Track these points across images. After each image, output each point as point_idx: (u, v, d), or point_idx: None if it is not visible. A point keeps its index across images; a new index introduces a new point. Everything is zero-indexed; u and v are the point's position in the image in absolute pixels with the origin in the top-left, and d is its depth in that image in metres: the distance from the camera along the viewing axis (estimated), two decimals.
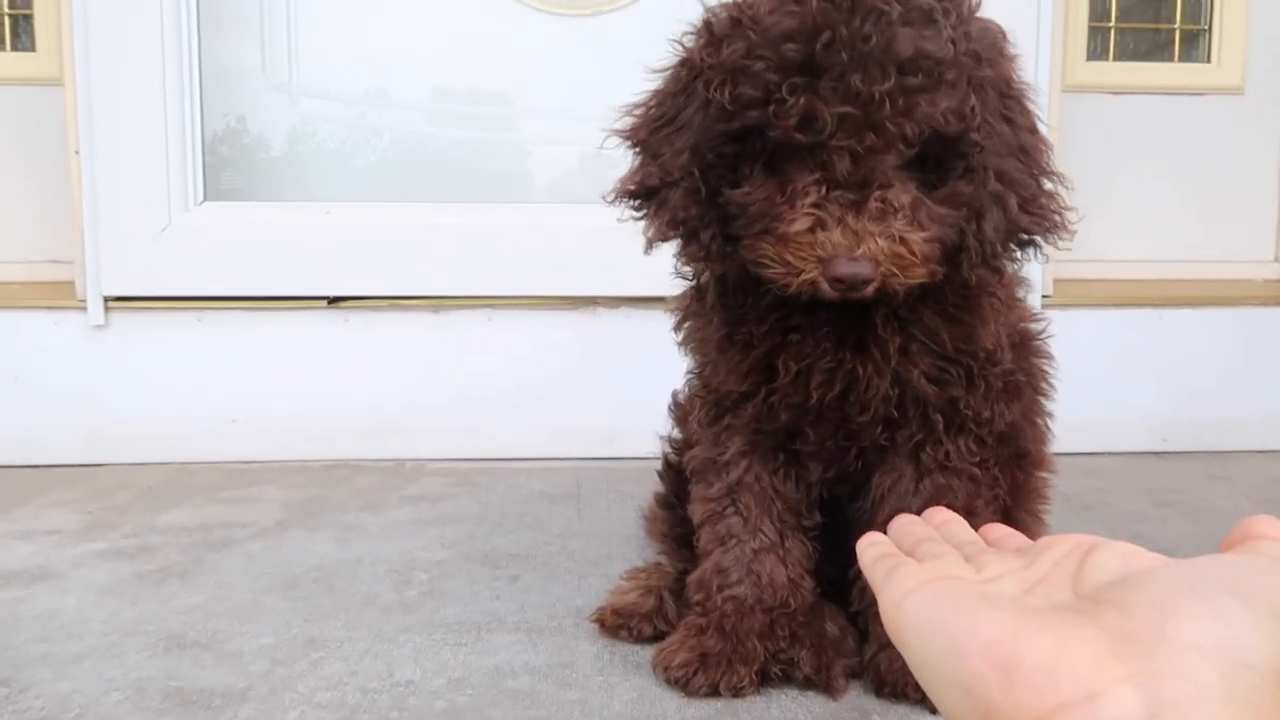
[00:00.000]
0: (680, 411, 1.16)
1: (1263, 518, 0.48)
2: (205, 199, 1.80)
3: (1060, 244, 0.89)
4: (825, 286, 0.78)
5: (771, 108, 0.76)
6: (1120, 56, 2.12)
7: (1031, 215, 0.86)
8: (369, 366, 1.80)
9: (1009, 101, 0.84)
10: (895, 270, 0.78)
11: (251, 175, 1.87)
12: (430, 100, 1.91)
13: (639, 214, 0.88)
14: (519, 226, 1.80)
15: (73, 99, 1.72)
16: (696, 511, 1.01)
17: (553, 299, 1.79)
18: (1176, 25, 2.13)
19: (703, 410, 0.99)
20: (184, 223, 1.76)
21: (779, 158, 0.80)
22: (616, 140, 0.90)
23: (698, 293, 0.97)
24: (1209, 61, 2.11)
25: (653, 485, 1.21)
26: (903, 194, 0.79)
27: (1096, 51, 2.10)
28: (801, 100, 0.75)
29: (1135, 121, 2.07)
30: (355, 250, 1.78)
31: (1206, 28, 2.11)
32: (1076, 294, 1.87)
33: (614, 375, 1.79)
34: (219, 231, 1.77)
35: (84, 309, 1.75)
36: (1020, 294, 0.99)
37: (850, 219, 0.77)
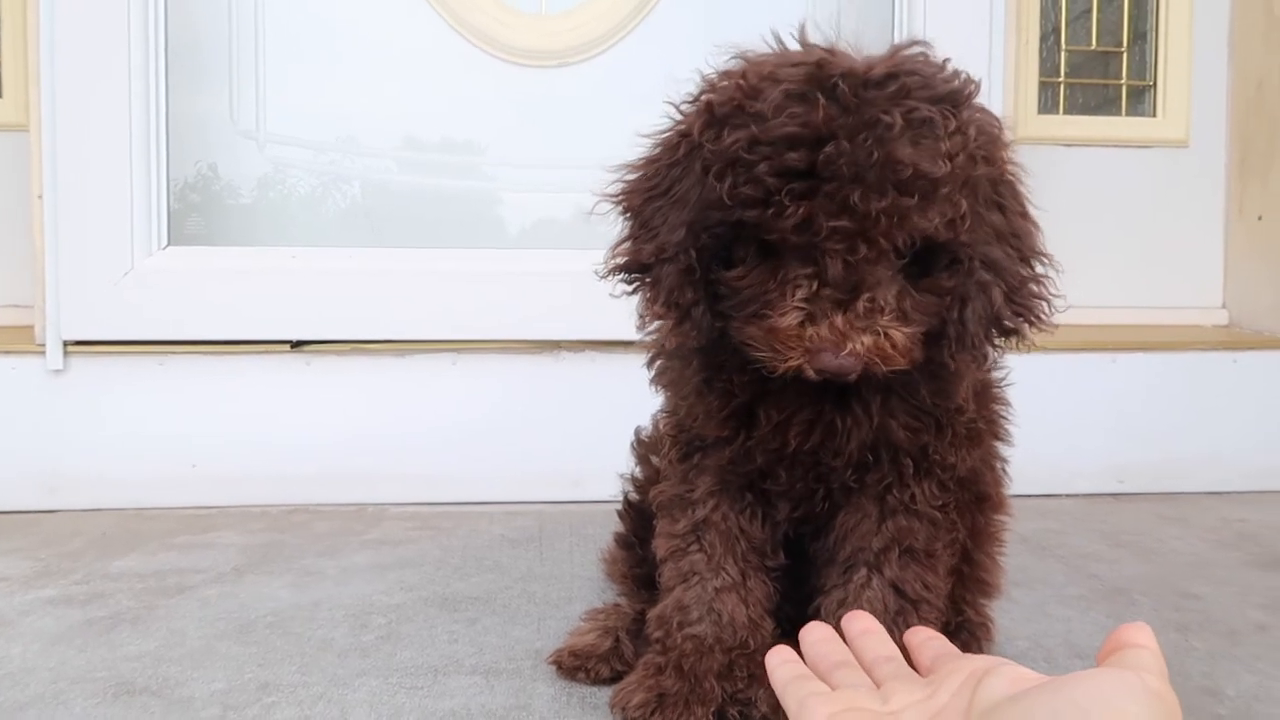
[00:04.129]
0: (643, 449, 1.17)
1: (1132, 626, 0.53)
2: (169, 243, 1.80)
3: (1041, 331, 0.91)
4: (810, 373, 0.80)
5: (770, 210, 0.78)
6: (1070, 110, 2.19)
7: (1015, 305, 0.87)
8: (331, 411, 1.79)
9: (1001, 188, 0.85)
10: (877, 360, 0.80)
11: (222, 221, 1.88)
12: (401, 149, 1.93)
13: (631, 288, 0.89)
14: (483, 272, 1.81)
15: (37, 144, 1.72)
16: (661, 547, 1.01)
17: (517, 343, 1.80)
18: (1123, 81, 2.21)
19: (673, 448, 1.00)
20: (147, 267, 1.75)
21: (766, 249, 0.81)
22: (607, 205, 0.90)
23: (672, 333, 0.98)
24: (1155, 115, 2.18)
25: (615, 527, 1.22)
26: (889, 289, 0.80)
27: (1047, 105, 2.17)
28: (800, 208, 0.76)
29: (1085, 173, 2.13)
30: (319, 294, 1.78)
31: (1152, 83, 2.19)
32: (1031, 339, 1.91)
33: (577, 419, 1.79)
34: (182, 276, 1.76)
35: (42, 353, 1.73)
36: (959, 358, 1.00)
37: (839, 319, 0.78)
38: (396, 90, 1.92)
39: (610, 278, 0.89)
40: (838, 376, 0.80)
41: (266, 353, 1.77)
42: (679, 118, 0.89)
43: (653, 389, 1.02)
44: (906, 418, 0.91)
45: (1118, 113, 2.20)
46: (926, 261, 0.82)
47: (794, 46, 0.86)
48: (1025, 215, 0.88)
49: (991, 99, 1.89)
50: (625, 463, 1.19)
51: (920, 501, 0.94)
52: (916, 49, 0.83)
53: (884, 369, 0.81)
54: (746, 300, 0.82)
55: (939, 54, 0.85)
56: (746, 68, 0.84)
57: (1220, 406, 1.90)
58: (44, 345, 1.73)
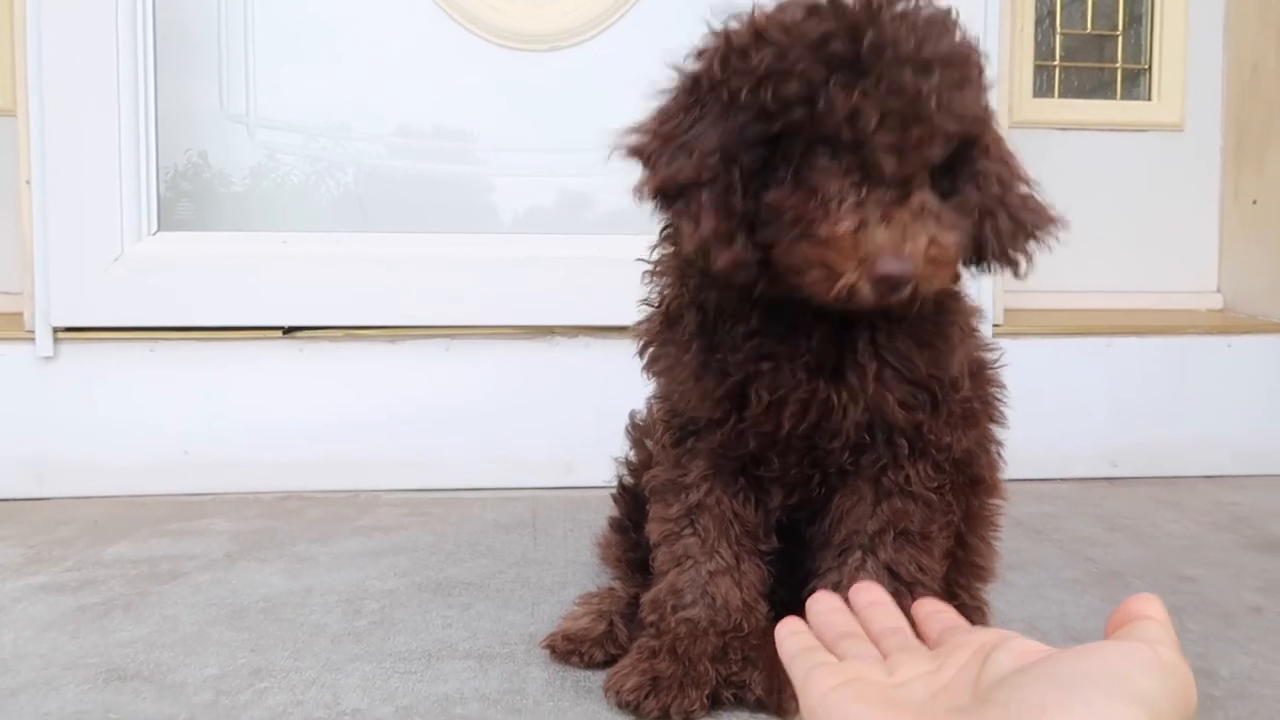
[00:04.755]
0: (637, 433, 1.16)
1: (1142, 597, 0.52)
2: (160, 229, 1.78)
3: (1056, 240, 0.91)
4: (865, 290, 0.77)
5: (820, 105, 0.77)
6: (1065, 94, 2.18)
7: (1031, 212, 0.89)
8: (324, 397, 1.78)
9: (984, 77, 0.86)
10: (930, 271, 0.79)
11: (214, 209, 1.86)
12: (393, 134, 1.92)
13: (666, 215, 0.86)
14: (477, 257, 1.80)
15: (25, 129, 1.70)
16: (654, 531, 1.00)
17: (511, 329, 1.79)
18: (1118, 64, 2.20)
19: (667, 433, 0.99)
20: (137, 253, 1.74)
21: (808, 163, 0.80)
22: (625, 159, 0.87)
23: (667, 319, 0.97)
24: (1150, 99, 2.18)
25: (609, 512, 1.21)
26: (932, 198, 0.80)
27: (1042, 89, 2.16)
28: (852, 95, 0.76)
29: (1080, 157, 2.12)
30: (311, 280, 1.77)
31: (1147, 67, 2.18)
32: (1027, 323, 1.91)
33: (571, 404, 1.79)
34: (173, 262, 1.75)
35: (32, 340, 1.72)
36: (975, 324, 1.00)
37: (894, 216, 0.77)
38: (387, 75, 1.90)
39: (645, 202, 0.86)
40: (894, 289, 0.77)
41: (258, 339, 1.76)
42: (687, 71, 0.88)
43: (644, 377, 1.01)
44: (902, 392, 0.90)
45: (1113, 96, 2.19)
46: (950, 178, 0.83)
47: None
48: (1003, 139, 0.91)
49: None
50: (619, 447, 1.18)
51: (915, 483, 0.94)
52: None
53: (932, 284, 0.80)
54: (792, 220, 0.80)
55: None
56: (755, 9, 0.85)
57: (1215, 390, 1.90)
58: (33, 332, 1.71)
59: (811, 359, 0.89)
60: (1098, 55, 2.20)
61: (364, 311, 1.77)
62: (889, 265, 0.76)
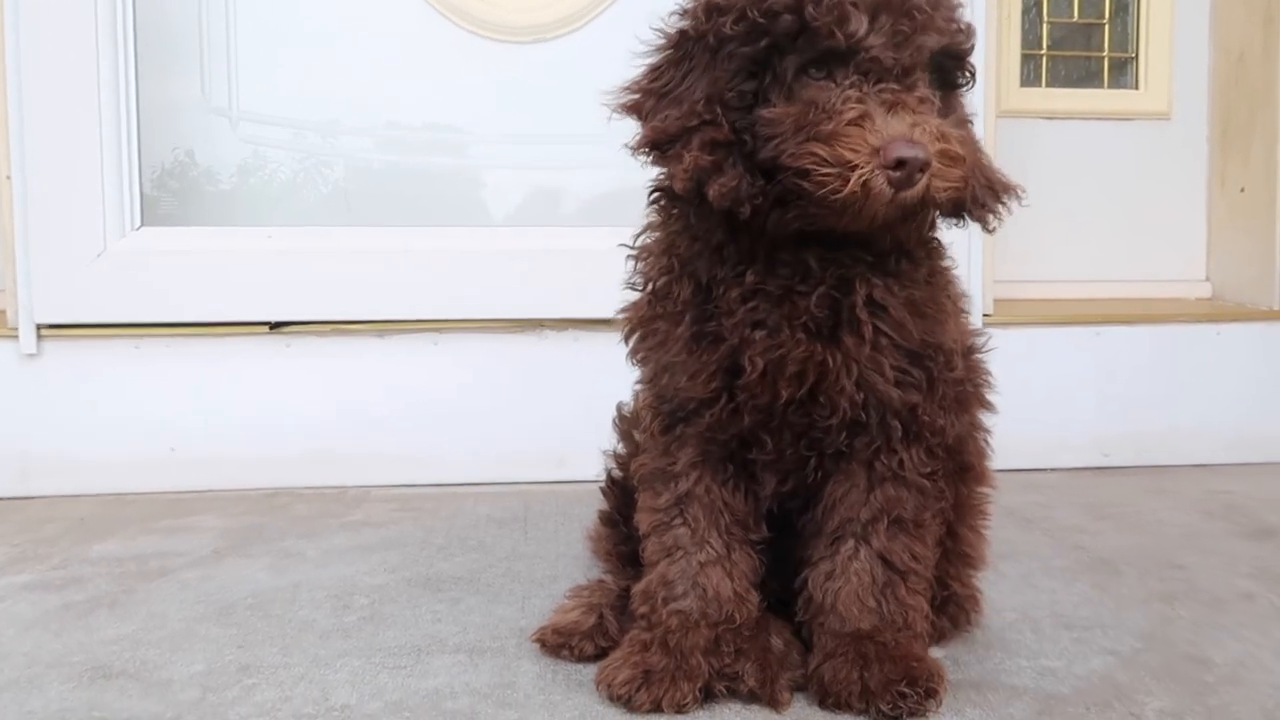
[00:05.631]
0: (625, 425, 1.16)
1: None
2: (144, 224, 1.77)
3: (1017, 204, 0.91)
4: (881, 181, 0.77)
5: (808, 9, 0.78)
6: (1052, 83, 2.18)
7: (996, 174, 0.91)
8: (312, 392, 1.76)
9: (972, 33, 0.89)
10: (942, 165, 0.79)
11: (201, 207, 1.84)
12: (382, 128, 1.90)
13: (661, 163, 0.87)
14: (465, 250, 1.79)
15: (4, 124, 1.68)
16: (643, 521, 0.99)
17: (499, 322, 1.78)
18: (1105, 54, 2.20)
19: (655, 420, 0.98)
20: (121, 248, 1.72)
21: (802, 81, 0.81)
22: (621, 115, 0.89)
23: (655, 297, 0.96)
24: (1137, 88, 2.18)
25: (600, 505, 1.20)
26: (931, 94, 0.82)
27: (1029, 78, 2.16)
28: None
29: (1068, 145, 2.12)
30: (298, 275, 1.75)
31: (1134, 56, 2.18)
32: (1016, 313, 1.91)
33: (561, 398, 1.78)
34: (157, 257, 1.73)
35: (15, 337, 1.70)
36: (964, 304, 1.00)
37: (901, 103, 0.78)
38: (374, 69, 1.88)
39: (638, 153, 0.87)
40: (912, 178, 0.77)
41: (245, 334, 1.75)
42: (672, 29, 0.89)
43: (630, 362, 1.00)
44: (897, 358, 0.89)
45: (1100, 85, 2.19)
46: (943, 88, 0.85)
47: None
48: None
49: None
50: (609, 440, 1.17)
51: (909, 469, 0.93)
52: None
53: (945, 180, 0.80)
54: (794, 129, 0.80)
55: None
56: None
57: (1204, 378, 1.90)
58: (16, 329, 1.70)
59: (809, 320, 0.88)
60: (1084, 44, 2.20)
61: (351, 306, 1.76)
62: (903, 149, 0.76)
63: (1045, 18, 2.17)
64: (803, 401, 0.89)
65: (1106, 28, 2.19)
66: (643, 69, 0.89)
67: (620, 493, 1.14)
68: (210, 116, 1.84)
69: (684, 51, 0.86)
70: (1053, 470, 1.85)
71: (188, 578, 1.28)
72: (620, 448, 1.16)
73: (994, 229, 0.90)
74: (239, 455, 1.75)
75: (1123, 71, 2.19)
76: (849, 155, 0.76)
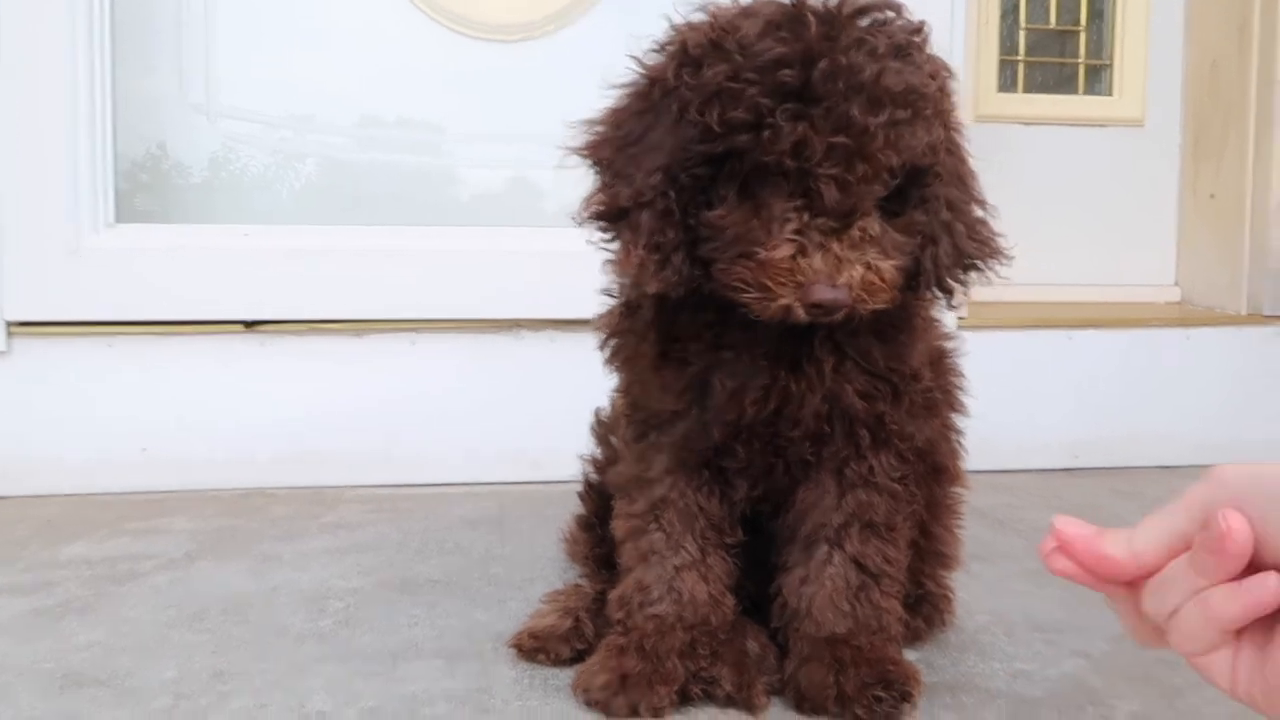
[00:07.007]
0: (602, 430, 1.16)
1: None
2: (118, 220, 1.75)
3: (1000, 270, 0.92)
4: (800, 312, 0.79)
5: (765, 133, 0.77)
6: (1029, 89, 2.20)
7: (976, 242, 0.89)
8: (287, 391, 1.75)
9: (951, 133, 0.87)
10: (865, 296, 0.80)
11: (174, 201, 1.82)
12: (358, 125, 1.89)
13: (608, 237, 0.87)
14: (443, 250, 1.78)
15: None
16: (619, 528, 1.00)
17: (477, 322, 1.78)
18: (1081, 60, 2.22)
19: (629, 427, 0.99)
20: (94, 245, 1.70)
21: (754, 181, 0.80)
22: (576, 158, 0.88)
23: (627, 310, 0.96)
24: (1112, 95, 2.20)
25: (576, 508, 1.20)
26: (874, 223, 0.80)
27: (1007, 83, 2.18)
28: (798, 128, 0.76)
29: (1044, 151, 2.15)
30: (275, 273, 1.74)
31: (1109, 63, 2.21)
32: (990, 316, 1.92)
33: (538, 399, 1.77)
34: (130, 254, 1.71)
35: None
36: (935, 314, 1.01)
37: (834, 247, 0.78)
38: (351, 64, 1.87)
39: (586, 225, 0.87)
40: (827, 314, 0.79)
41: (220, 333, 1.73)
42: (645, 68, 0.88)
43: (607, 369, 1.00)
44: (861, 382, 0.90)
45: (1076, 91, 2.22)
46: (899, 199, 0.83)
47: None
48: (967, 161, 0.91)
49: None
50: (586, 443, 1.17)
51: (879, 474, 0.94)
52: None
53: (869, 305, 0.81)
54: (732, 240, 0.80)
55: None
56: (717, 12, 0.84)
57: (1173, 381, 1.93)
58: None
59: (769, 348, 0.89)
60: (1060, 50, 2.22)
61: (328, 305, 1.75)
62: (823, 294, 0.78)
63: (1023, 23, 2.19)
64: (769, 419, 0.89)
65: (1083, 34, 2.22)
66: (607, 109, 0.88)
67: (597, 497, 1.14)
68: (186, 112, 1.83)
69: (650, 102, 0.84)
70: (1024, 471, 1.87)
71: (159, 581, 1.27)
72: (598, 452, 1.16)
73: (958, 305, 0.91)
74: (213, 455, 1.73)
75: (1098, 78, 2.22)
76: (773, 286, 0.79)
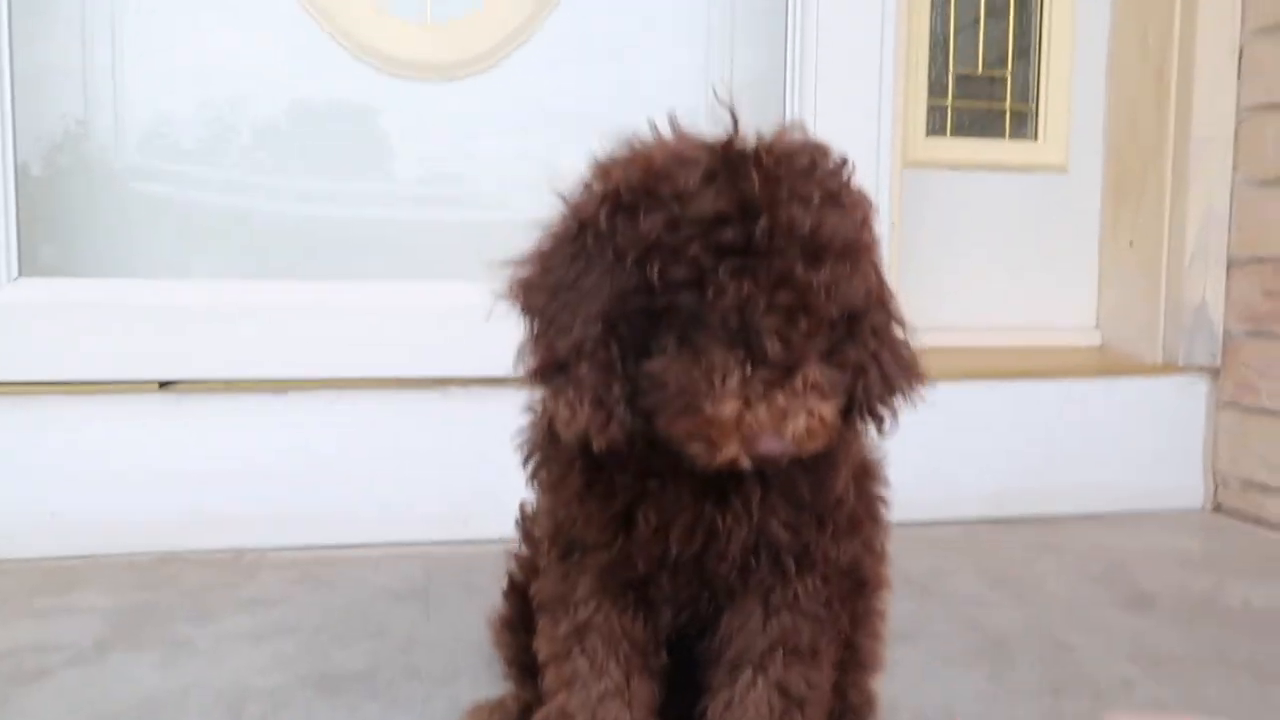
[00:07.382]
0: (527, 524, 1.14)
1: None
2: (20, 274, 1.67)
3: (919, 397, 0.91)
4: (745, 462, 0.78)
5: (709, 290, 0.75)
6: (957, 133, 2.22)
7: (901, 367, 0.89)
8: (205, 452, 1.70)
9: (871, 254, 0.85)
10: (808, 442, 0.78)
11: (82, 253, 1.75)
12: (277, 172, 1.83)
13: (550, 391, 0.83)
14: (367, 306, 1.74)
15: None
16: (543, 648, 0.98)
17: (403, 380, 1.74)
18: (1007, 105, 2.25)
19: (553, 547, 0.97)
20: None
21: (692, 329, 0.78)
22: (509, 301, 0.84)
23: (550, 431, 0.94)
24: (1036, 139, 2.24)
25: (504, 585, 1.18)
26: (815, 370, 0.79)
27: (935, 127, 2.20)
28: (742, 286, 0.74)
29: (970, 196, 2.18)
30: (190, 330, 1.68)
31: (1034, 109, 2.24)
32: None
33: (466, 456, 1.75)
34: (35, 310, 1.65)
35: None
36: (861, 428, 1.01)
37: (779, 400, 0.76)
38: (271, 103, 1.81)
39: (529, 383, 0.84)
40: (773, 462, 0.79)
41: (132, 392, 1.67)
42: (571, 207, 0.85)
43: (529, 488, 0.98)
44: (787, 514, 0.90)
45: (1002, 135, 2.25)
46: (830, 336, 0.82)
47: (682, 129, 0.83)
48: (887, 282, 0.90)
49: (881, 120, 1.90)
50: (515, 498, 1.14)
51: (804, 598, 0.94)
52: (797, 130, 0.83)
53: (809, 449, 0.79)
54: (675, 393, 0.78)
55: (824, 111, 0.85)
56: (647, 151, 0.81)
57: (1092, 431, 1.98)
58: None
59: (694, 483, 0.88)
60: (989, 94, 2.25)
61: (247, 363, 1.70)
62: (769, 445, 0.77)
63: (951, 68, 2.21)
64: (695, 553, 0.89)
65: (1009, 78, 2.24)
66: (533, 252, 0.85)
67: (519, 599, 1.12)
68: (93, 160, 1.75)
69: (582, 246, 0.81)
70: (951, 523, 1.90)
71: (68, 679, 1.22)
72: (523, 548, 1.15)
73: (886, 433, 0.91)
74: (126, 519, 1.68)
75: (1023, 123, 2.25)
76: (717, 439, 0.77)
